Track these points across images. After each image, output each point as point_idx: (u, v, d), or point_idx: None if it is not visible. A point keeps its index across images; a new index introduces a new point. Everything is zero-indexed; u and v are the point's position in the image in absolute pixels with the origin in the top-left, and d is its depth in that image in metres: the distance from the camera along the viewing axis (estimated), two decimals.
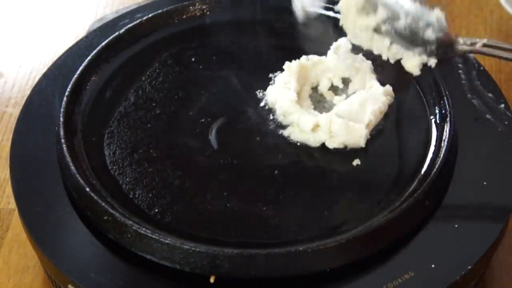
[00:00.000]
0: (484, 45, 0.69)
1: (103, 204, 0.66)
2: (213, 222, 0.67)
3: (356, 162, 0.71)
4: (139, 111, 0.76)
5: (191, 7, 0.84)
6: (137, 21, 0.83)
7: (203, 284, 0.63)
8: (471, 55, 0.80)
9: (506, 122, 0.74)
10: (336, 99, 0.76)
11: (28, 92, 0.79)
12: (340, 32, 0.80)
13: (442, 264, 0.64)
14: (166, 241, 0.63)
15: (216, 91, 0.78)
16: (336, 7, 0.76)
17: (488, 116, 0.75)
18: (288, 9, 0.84)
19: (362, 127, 0.72)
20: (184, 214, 0.67)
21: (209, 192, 0.69)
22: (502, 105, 0.76)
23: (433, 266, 0.64)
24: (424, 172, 0.70)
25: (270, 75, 0.79)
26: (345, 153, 0.72)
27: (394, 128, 0.73)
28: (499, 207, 0.68)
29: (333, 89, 0.77)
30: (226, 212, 0.68)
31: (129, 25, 0.82)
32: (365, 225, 0.65)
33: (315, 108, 0.75)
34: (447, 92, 0.74)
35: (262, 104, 0.76)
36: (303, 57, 0.78)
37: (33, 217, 0.68)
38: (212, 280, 0.63)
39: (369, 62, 0.77)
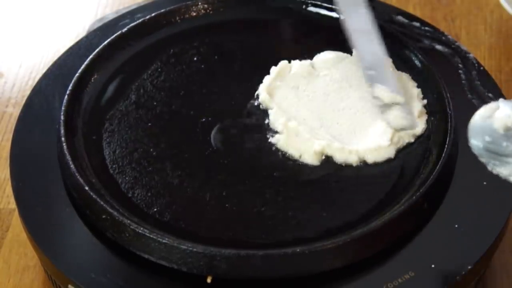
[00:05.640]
0: None
1: (101, 203, 0.66)
2: (211, 222, 0.67)
3: (356, 163, 0.71)
4: (140, 110, 0.76)
5: (193, 7, 0.85)
6: (140, 20, 0.83)
7: (201, 284, 0.63)
8: (471, 54, 0.80)
9: None
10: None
11: (28, 92, 0.79)
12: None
13: (442, 264, 0.64)
14: (164, 241, 0.63)
15: (217, 90, 0.78)
16: None
17: None
18: (290, 9, 0.84)
19: (392, 148, 0.72)
20: (183, 214, 0.67)
21: (208, 192, 0.69)
22: None
23: (433, 266, 0.64)
24: (424, 172, 0.70)
25: None
26: None
27: None
28: (499, 207, 0.68)
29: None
30: (225, 212, 0.67)
31: (132, 24, 0.82)
32: (363, 227, 0.65)
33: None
34: (447, 92, 0.74)
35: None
36: (310, 60, 0.78)
37: (33, 217, 0.68)
38: (209, 280, 0.63)
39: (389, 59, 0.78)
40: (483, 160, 0.59)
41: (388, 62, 0.77)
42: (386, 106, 0.74)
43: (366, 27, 0.78)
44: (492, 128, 0.59)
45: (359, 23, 0.78)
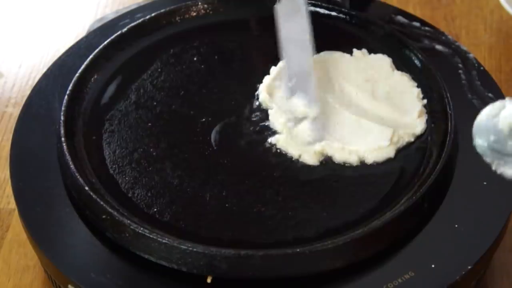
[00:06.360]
0: None
1: (101, 203, 0.66)
2: (211, 222, 0.67)
3: (356, 163, 0.71)
4: (140, 110, 0.76)
5: (193, 7, 0.85)
6: (140, 20, 0.83)
7: (201, 284, 0.63)
8: (471, 54, 0.80)
9: None
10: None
11: (28, 92, 0.79)
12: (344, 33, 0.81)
13: (442, 264, 0.64)
14: (164, 241, 0.63)
15: (217, 90, 0.78)
16: None
17: None
18: None
19: (392, 148, 0.72)
20: (183, 214, 0.67)
21: (208, 192, 0.69)
22: None
23: (433, 266, 0.64)
24: (425, 172, 0.70)
25: None
26: None
27: None
28: (499, 207, 0.68)
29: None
30: (225, 212, 0.68)
31: (132, 24, 0.82)
32: (363, 227, 0.65)
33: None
34: (447, 92, 0.74)
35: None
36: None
37: (33, 217, 0.68)
38: (209, 280, 0.63)
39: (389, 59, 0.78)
40: (487, 159, 0.58)
41: (312, 73, 0.76)
42: (297, 120, 0.74)
43: (300, 36, 0.76)
44: (497, 127, 0.58)
45: (294, 31, 0.77)
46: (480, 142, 0.58)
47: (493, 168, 0.57)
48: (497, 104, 0.58)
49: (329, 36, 0.82)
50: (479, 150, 0.58)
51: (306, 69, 0.76)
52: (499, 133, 0.57)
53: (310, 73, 0.76)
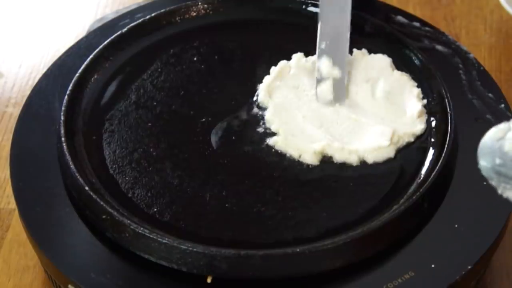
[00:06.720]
0: None
1: (101, 203, 0.66)
2: (211, 222, 0.67)
3: (356, 163, 0.71)
4: (140, 110, 0.76)
5: (193, 7, 0.85)
6: (140, 20, 0.83)
7: (201, 284, 0.63)
8: (471, 54, 0.80)
9: None
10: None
11: (28, 92, 0.79)
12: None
13: (442, 264, 0.64)
14: (164, 241, 0.63)
15: (217, 90, 0.78)
16: None
17: (488, 116, 0.74)
18: (289, 9, 0.84)
19: (392, 148, 0.72)
20: (183, 214, 0.67)
21: (208, 192, 0.69)
22: (502, 105, 0.76)
23: (433, 266, 0.64)
24: (425, 172, 0.70)
25: None
26: None
27: None
28: (499, 207, 0.68)
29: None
30: (225, 212, 0.67)
31: (132, 24, 0.82)
32: (363, 227, 0.65)
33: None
34: (447, 92, 0.74)
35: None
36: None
37: (33, 217, 0.68)
38: (209, 280, 0.63)
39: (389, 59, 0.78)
40: (492, 183, 0.56)
41: (348, 35, 0.76)
42: (322, 79, 0.75)
43: None
44: (503, 150, 0.56)
45: None
46: (485, 165, 0.56)
47: (499, 192, 0.56)
48: (502, 126, 0.57)
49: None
50: (484, 173, 0.56)
51: (342, 31, 0.76)
52: (505, 156, 0.56)
53: (345, 35, 0.76)
